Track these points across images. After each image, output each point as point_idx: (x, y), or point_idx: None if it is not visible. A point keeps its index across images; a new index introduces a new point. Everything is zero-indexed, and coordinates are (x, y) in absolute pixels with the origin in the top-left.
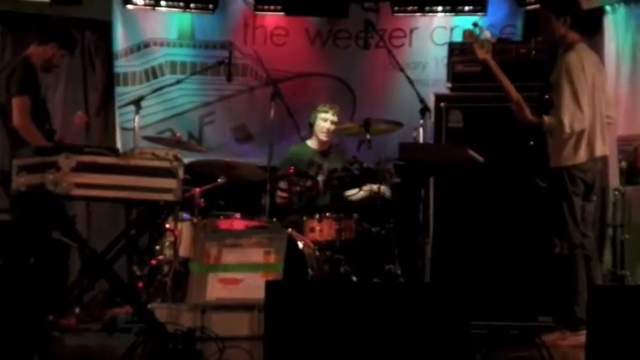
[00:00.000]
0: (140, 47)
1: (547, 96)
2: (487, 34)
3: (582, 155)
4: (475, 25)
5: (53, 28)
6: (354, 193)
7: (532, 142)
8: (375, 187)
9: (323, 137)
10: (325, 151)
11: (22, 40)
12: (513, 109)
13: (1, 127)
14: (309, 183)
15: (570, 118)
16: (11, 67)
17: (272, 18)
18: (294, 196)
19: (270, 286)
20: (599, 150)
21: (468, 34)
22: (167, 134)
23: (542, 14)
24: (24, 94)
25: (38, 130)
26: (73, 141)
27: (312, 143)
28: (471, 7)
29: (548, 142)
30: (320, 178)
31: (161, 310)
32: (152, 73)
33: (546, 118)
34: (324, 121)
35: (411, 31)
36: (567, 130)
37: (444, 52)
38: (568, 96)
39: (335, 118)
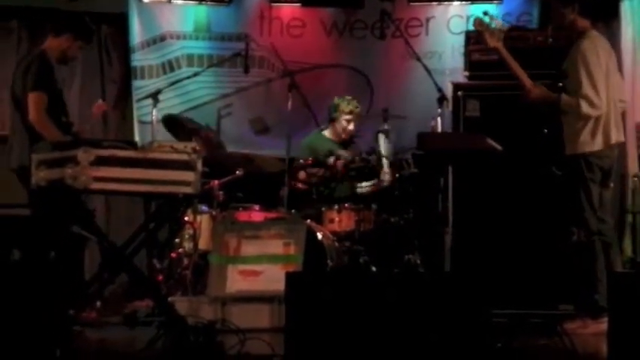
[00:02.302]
0: (156, 40)
1: (561, 84)
2: (498, 22)
3: (599, 142)
4: (485, 13)
5: (67, 20)
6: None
7: (546, 130)
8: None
9: (345, 135)
10: (344, 141)
11: (38, 34)
12: (525, 96)
13: (19, 122)
14: (327, 173)
15: (589, 101)
16: (27, 61)
17: (288, 9)
18: (313, 187)
19: (290, 277)
20: (615, 137)
21: (478, 22)
22: None
23: (551, 2)
24: (39, 89)
25: (55, 125)
26: (91, 132)
27: (329, 134)
28: None
29: (563, 128)
30: (339, 165)
31: (181, 303)
32: (169, 66)
33: (564, 96)
34: (348, 122)
35: (427, 20)
36: (584, 110)
37: (460, 40)
38: (585, 82)
39: (356, 116)
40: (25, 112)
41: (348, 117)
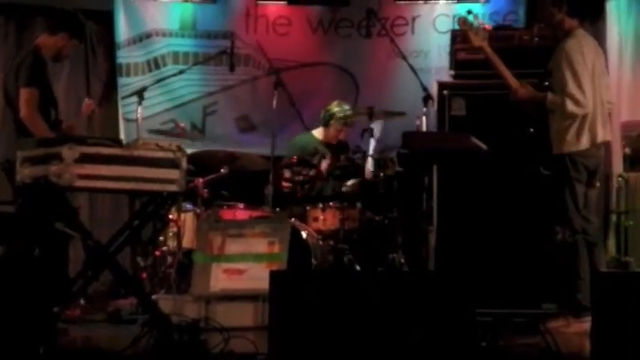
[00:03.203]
0: (142, 38)
1: (546, 83)
2: (482, 22)
3: (584, 142)
4: (469, 12)
5: (64, 18)
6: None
7: (532, 130)
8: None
9: (334, 142)
10: (333, 145)
11: (25, 30)
12: (511, 95)
13: (9, 117)
14: (312, 172)
15: (574, 100)
16: (21, 57)
17: (274, 7)
18: (297, 186)
19: (274, 276)
20: (601, 136)
21: (462, 21)
22: (170, 125)
23: (539, 1)
24: (31, 85)
25: (44, 121)
26: (81, 130)
27: (318, 134)
28: None
29: (550, 127)
30: (323, 165)
31: (165, 301)
32: (154, 64)
33: (550, 95)
34: (339, 131)
35: (413, 19)
36: (569, 109)
37: (446, 39)
38: (570, 81)
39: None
40: (16, 107)
41: (341, 126)
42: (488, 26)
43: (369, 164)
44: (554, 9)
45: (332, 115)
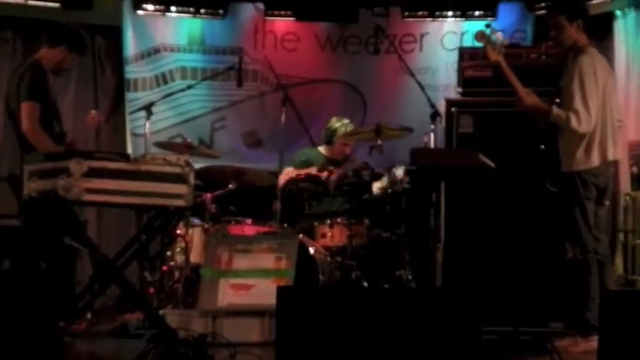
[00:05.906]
0: (150, 53)
1: (558, 100)
2: (499, 36)
3: (595, 159)
4: (488, 26)
5: (63, 31)
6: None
7: (543, 146)
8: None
9: (340, 157)
10: (338, 160)
11: (33, 45)
12: (517, 103)
13: (12, 131)
14: (319, 188)
15: (578, 117)
16: (21, 71)
17: (282, 23)
18: (304, 201)
19: (281, 291)
20: (612, 154)
21: (480, 35)
22: (178, 140)
23: (553, 20)
24: (33, 99)
25: (48, 134)
26: (86, 143)
27: (324, 150)
28: (482, 12)
29: (559, 145)
30: (331, 180)
31: (172, 316)
32: (162, 79)
33: (555, 109)
34: (345, 145)
35: (422, 36)
36: (572, 125)
37: (454, 57)
38: (578, 98)
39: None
40: (19, 121)
41: (345, 141)
42: (506, 40)
43: (384, 181)
44: (571, 27)
45: (334, 132)
